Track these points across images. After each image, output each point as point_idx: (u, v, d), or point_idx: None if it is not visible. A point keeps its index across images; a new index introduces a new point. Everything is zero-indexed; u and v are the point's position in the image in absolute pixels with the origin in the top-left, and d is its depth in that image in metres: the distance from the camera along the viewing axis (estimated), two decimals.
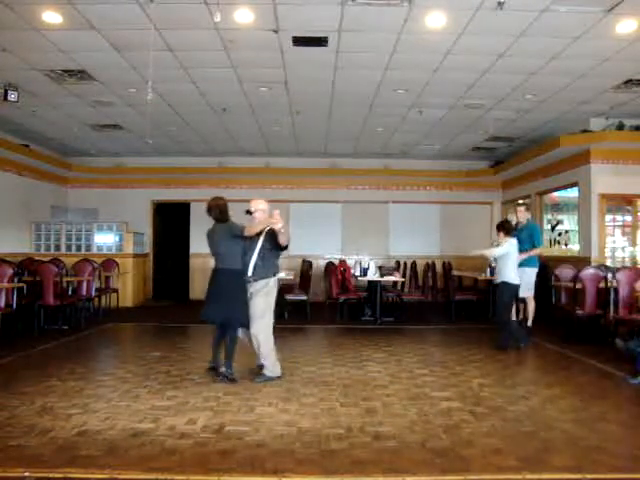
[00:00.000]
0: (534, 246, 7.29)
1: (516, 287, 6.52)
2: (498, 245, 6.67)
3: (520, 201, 11.78)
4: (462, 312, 9.42)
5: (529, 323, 7.37)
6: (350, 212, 12.33)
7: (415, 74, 6.75)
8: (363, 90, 7.42)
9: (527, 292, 7.31)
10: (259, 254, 4.87)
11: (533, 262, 7.35)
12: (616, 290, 6.35)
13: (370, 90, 7.40)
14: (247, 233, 4.79)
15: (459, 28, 5.40)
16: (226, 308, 4.71)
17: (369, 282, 8.84)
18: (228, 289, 4.74)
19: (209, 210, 4.97)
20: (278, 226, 4.70)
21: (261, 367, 4.97)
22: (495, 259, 6.79)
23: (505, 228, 6.58)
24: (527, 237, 7.32)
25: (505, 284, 6.46)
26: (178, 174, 12.07)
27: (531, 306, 7.41)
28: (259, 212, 5.02)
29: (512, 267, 6.46)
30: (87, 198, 12.16)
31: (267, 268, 4.91)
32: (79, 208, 11.98)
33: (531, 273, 7.31)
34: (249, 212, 5.00)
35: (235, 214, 5.04)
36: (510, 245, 6.48)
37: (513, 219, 7.66)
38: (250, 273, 4.85)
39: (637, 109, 7.99)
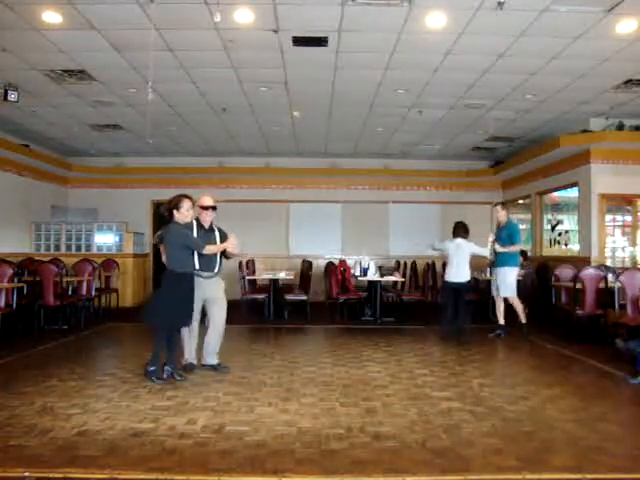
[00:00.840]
0: (512, 244, 7.22)
1: (448, 285, 7.02)
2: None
3: (520, 201, 11.80)
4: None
5: (523, 320, 7.27)
6: (350, 212, 12.32)
7: (415, 74, 6.76)
8: (363, 90, 7.42)
9: (507, 292, 7.24)
10: (221, 253, 5.13)
11: (513, 261, 7.25)
12: (620, 291, 6.29)
13: (370, 90, 7.40)
14: (207, 251, 4.87)
15: (459, 28, 5.40)
16: (186, 314, 4.86)
17: (369, 282, 8.84)
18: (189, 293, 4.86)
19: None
20: (236, 251, 5.12)
21: (192, 365, 5.16)
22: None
23: (453, 228, 7.09)
24: (506, 236, 7.25)
25: (443, 281, 7.23)
26: (178, 174, 12.06)
27: (518, 307, 7.30)
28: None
29: (450, 266, 7.00)
30: (87, 198, 12.15)
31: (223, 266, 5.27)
32: (79, 208, 11.97)
33: (510, 273, 7.21)
34: (214, 208, 5.16)
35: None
36: (448, 244, 7.03)
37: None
38: (216, 270, 5.10)
39: (637, 109, 7.99)
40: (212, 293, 5.07)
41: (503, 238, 7.27)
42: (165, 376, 4.76)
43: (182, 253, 4.79)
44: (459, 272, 6.92)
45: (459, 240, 6.94)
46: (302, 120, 9.03)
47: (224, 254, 5.17)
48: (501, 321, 7.35)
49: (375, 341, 6.95)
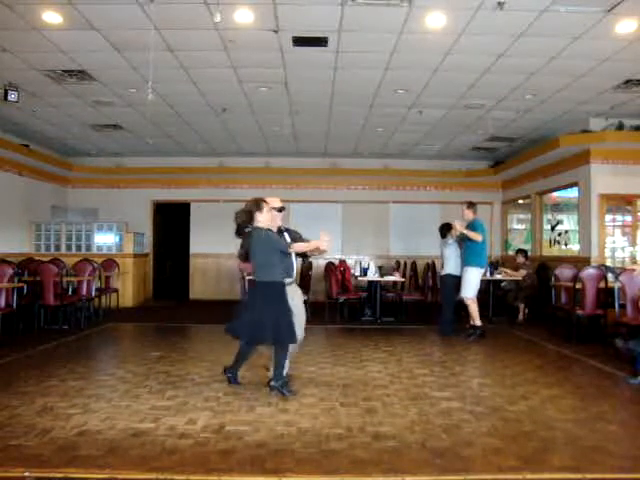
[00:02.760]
0: (474, 240, 7.12)
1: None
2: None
3: (520, 201, 11.78)
4: (462, 312, 9.42)
5: (478, 323, 7.21)
6: (350, 212, 12.32)
7: (415, 74, 6.76)
8: (363, 90, 7.42)
9: (465, 292, 7.21)
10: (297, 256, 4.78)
11: (476, 262, 7.15)
12: (620, 291, 6.28)
13: (370, 90, 7.40)
14: (296, 250, 4.51)
15: (459, 28, 5.40)
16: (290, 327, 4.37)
17: (369, 282, 8.84)
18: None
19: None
20: (328, 248, 4.64)
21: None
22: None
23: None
24: None
25: None
26: (178, 174, 12.07)
27: (472, 310, 7.22)
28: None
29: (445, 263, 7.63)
30: (87, 198, 12.15)
31: None
32: (79, 208, 11.97)
33: (471, 273, 7.15)
34: (283, 209, 4.78)
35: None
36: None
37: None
38: (294, 274, 4.72)
39: (637, 109, 7.99)
40: (295, 300, 4.57)
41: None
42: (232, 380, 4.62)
43: (271, 260, 4.37)
44: (444, 266, 7.66)
45: (442, 240, 7.74)
46: (302, 120, 9.03)
47: (302, 256, 4.78)
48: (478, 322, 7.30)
49: (375, 341, 6.95)
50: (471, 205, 7.46)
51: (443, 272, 7.64)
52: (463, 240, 7.31)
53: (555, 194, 10.33)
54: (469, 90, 7.30)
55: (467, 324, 7.35)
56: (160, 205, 12.65)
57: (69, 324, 7.62)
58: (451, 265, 7.46)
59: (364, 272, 8.79)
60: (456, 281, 7.47)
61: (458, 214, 12.18)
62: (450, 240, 7.50)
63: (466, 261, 7.24)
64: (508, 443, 3.36)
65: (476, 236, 7.09)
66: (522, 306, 9.00)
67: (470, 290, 7.18)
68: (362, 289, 9.14)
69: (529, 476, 2.89)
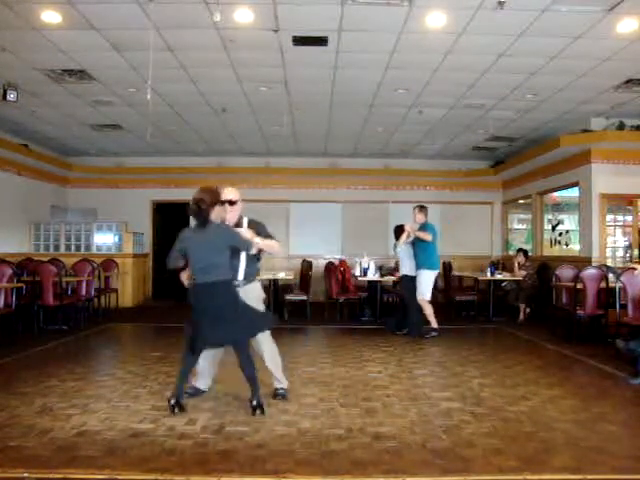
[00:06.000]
0: (428, 242, 7.21)
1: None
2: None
3: (521, 201, 11.77)
4: (462, 312, 9.42)
5: (434, 325, 7.31)
6: (350, 212, 12.32)
7: (415, 74, 6.75)
8: (363, 90, 7.42)
9: (419, 294, 7.27)
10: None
11: (427, 264, 7.24)
12: (621, 291, 6.25)
13: (370, 90, 7.40)
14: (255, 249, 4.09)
15: (459, 28, 5.40)
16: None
17: (369, 282, 8.83)
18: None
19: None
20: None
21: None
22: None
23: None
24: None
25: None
26: (178, 174, 12.06)
27: (427, 310, 7.32)
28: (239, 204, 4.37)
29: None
30: (87, 198, 12.15)
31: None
32: (79, 208, 11.95)
33: (424, 276, 7.24)
34: (232, 202, 4.29)
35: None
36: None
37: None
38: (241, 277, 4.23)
39: (637, 109, 7.98)
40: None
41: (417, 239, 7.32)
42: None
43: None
44: (399, 268, 7.77)
45: (395, 242, 7.79)
46: (302, 120, 9.02)
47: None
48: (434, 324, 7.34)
49: (375, 341, 6.94)
50: (422, 209, 7.61)
51: (399, 273, 7.76)
52: (414, 243, 7.39)
53: (556, 194, 10.33)
54: (469, 90, 7.29)
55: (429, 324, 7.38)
56: (160, 205, 12.64)
57: (68, 324, 7.60)
58: (406, 266, 7.51)
59: (364, 272, 8.79)
60: (413, 281, 7.44)
61: (457, 214, 12.29)
62: (402, 242, 7.48)
63: (418, 264, 7.31)
64: (508, 444, 3.35)
65: (425, 235, 7.20)
66: (523, 306, 8.99)
67: (426, 292, 7.28)
68: (362, 289, 9.12)
69: (529, 477, 2.88)
